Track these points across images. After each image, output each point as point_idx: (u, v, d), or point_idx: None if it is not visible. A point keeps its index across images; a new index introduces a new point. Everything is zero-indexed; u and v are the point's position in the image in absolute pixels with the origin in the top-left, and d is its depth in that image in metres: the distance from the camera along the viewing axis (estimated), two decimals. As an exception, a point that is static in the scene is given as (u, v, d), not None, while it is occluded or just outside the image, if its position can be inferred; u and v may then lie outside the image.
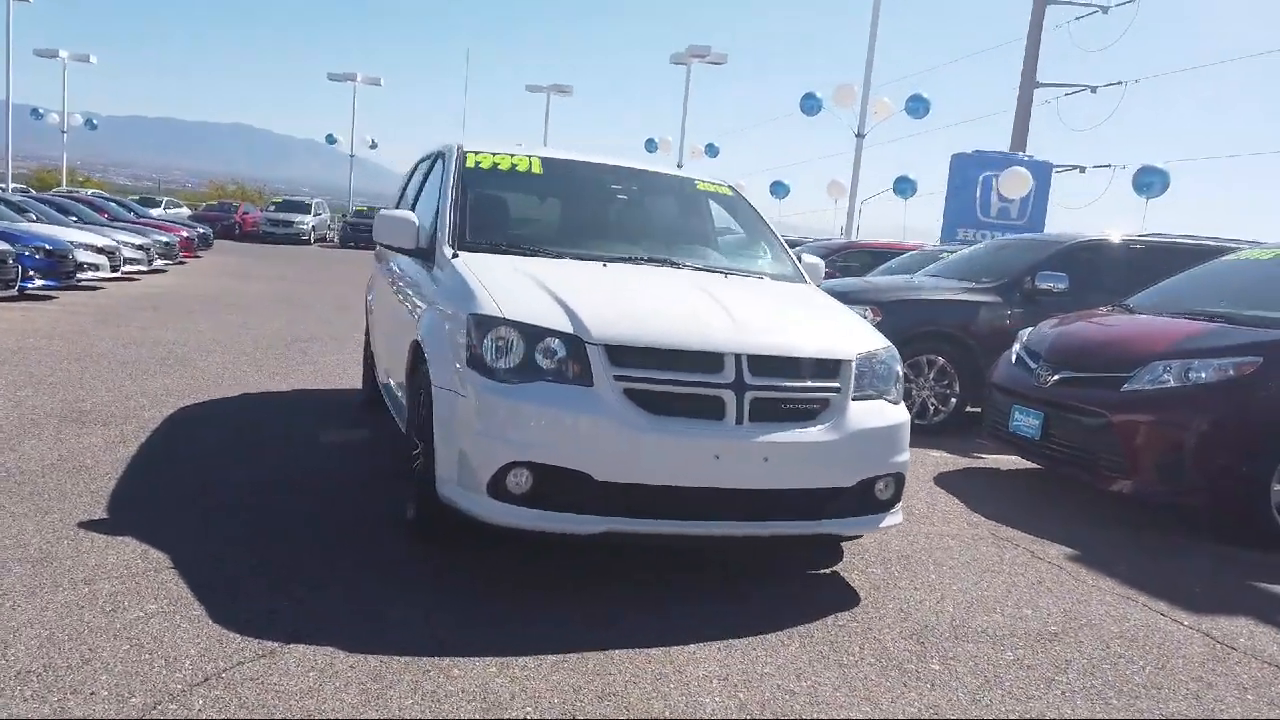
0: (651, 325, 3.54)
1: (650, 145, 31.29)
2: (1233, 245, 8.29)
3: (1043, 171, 19.49)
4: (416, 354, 4.10)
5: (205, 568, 3.52)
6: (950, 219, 23.70)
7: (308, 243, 35.80)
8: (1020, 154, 25.22)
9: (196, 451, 5.30)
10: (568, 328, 3.46)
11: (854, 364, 3.73)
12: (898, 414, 3.86)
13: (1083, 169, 29.02)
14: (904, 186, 23.29)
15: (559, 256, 4.33)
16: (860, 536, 4.28)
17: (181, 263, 21.09)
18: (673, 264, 4.51)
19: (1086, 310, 6.78)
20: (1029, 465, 6.41)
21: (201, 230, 25.66)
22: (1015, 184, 16.88)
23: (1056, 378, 5.77)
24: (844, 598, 3.81)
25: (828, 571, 4.12)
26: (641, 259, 4.48)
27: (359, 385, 7.65)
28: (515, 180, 4.91)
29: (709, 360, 3.46)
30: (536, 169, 4.99)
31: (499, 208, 4.79)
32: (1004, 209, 23.94)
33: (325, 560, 3.72)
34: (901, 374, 4.02)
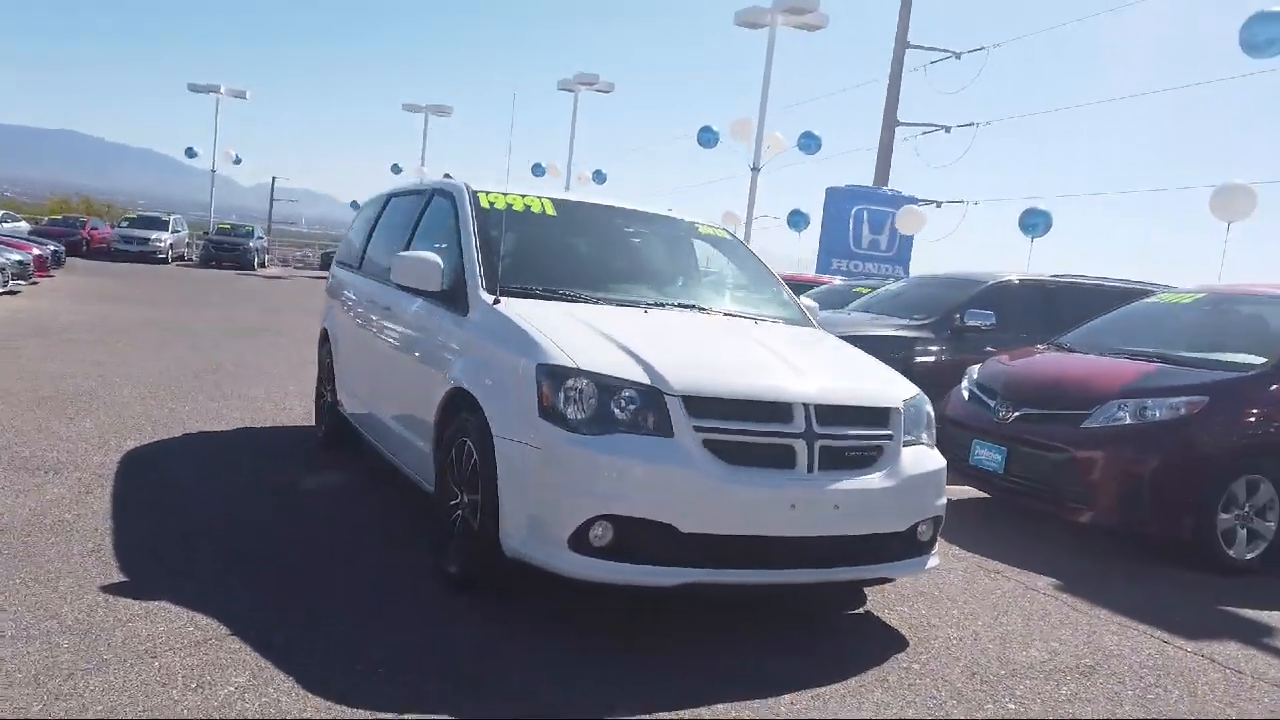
0: (725, 376, 3.59)
1: (537, 170, 31.24)
2: (1135, 286, 9.05)
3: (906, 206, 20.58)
4: (455, 402, 4.01)
5: (260, 631, 3.33)
6: (825, 250, 24.69)
7: (165, 261, 33.76)
8: (885, 189, 26.57)
9: (175, 500, 4.98)
10: (644, 379, 3.46)
11: (902, 411, 3.89)
12: (938, 458, 4.05)
13: (939, 204, 30.78)
14: (798, 219, 24.06)
15: (595, 301, 4.32)
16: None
17: (35, 283, 19.57)
18: (702, 309, 4.58)
19: (1025, 348, 7.24)
20: (979, 495, 6.76)
21: (54, 247, 23.88)
22: (911, 222, 17.81)
23: (1017, 414, 6.14)
24: (892, 638, 3.94)
25: (861, 611, 4.26)
26: (673, 304, 4.53)
27: (301, 422, 7.38)
28: (531, 222, 4.86)
29: (781, 410, 3.54)
30: (550, 210, 4.96)
31: (523, 250, 4.74)
32: (874, 241, 25.13)
33: (378, 616, 3.58)
34: (933, 417, 4.22)
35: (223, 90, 40.70)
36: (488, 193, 4.88)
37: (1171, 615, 4.62)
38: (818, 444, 3.54)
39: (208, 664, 3.02)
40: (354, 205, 45.05)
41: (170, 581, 3.72)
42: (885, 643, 3.87)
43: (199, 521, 4.63)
